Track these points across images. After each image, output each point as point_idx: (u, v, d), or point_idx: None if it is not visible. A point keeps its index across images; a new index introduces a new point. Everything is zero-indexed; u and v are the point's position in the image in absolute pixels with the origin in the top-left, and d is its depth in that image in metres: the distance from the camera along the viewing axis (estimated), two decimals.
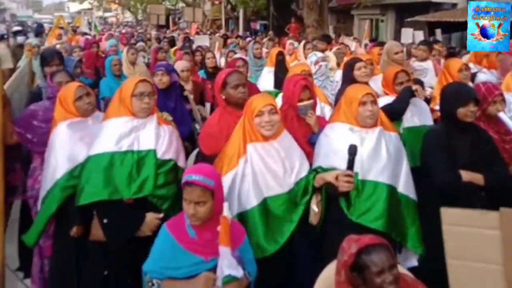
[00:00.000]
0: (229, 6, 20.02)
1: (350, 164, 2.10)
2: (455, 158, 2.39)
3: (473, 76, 3.95)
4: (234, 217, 2.02)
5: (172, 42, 9.78)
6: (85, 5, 35.57)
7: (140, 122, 2.31)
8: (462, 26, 8.82)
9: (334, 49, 6.39)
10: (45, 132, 2.79)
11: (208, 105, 4.71)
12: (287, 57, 5.88)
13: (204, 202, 1.73)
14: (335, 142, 2.30)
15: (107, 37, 9.96)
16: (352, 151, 2.09)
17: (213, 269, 1.72)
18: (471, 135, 2.46)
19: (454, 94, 2.50)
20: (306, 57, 5.25)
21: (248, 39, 10.94)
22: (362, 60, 3.50)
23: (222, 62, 6.89)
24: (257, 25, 19.10)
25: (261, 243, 2.09)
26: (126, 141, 2.26)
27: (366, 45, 8.23)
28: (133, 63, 5.57)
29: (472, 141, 2.44)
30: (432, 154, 2.44)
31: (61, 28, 9.19)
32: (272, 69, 4.70)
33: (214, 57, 5.65)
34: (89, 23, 12.70)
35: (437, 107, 3.14)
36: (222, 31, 14.85)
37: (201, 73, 5.41)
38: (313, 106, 2.69)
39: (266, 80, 4.63)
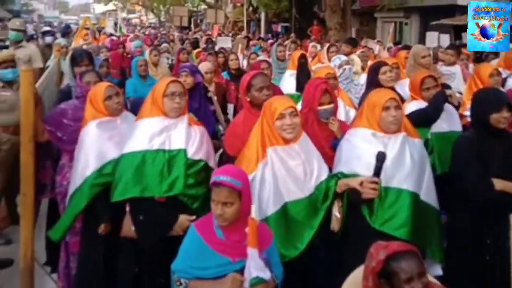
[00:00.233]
0: (250, 8, 20.10)
1: (377, 171, 2.07)
2: (487, 166, 2.34)
3: (503, 81, 3.85)
4: None
5: (195, 44, 9.89)
6: (110, 7, 36.34)
7: (172, 122, 2.34)
8: None
9: (358, 52, 6.34)
10: (74, 130, 2.85)
11: (231, 106, 4.74)
12: (310, 60, 5.86)
13: (232, 203, 1.74)
14: (358, 148, 2.27)
15: (132, 38, 10.15)
16: (381, 158, 2.06)
17: (241, 271, 1.72)
18: (504, 142, 2.41)
19: (487, 100, 2.45)
20: (329, 60, 5.22)
21: (270, 41, 10.97)
22: (388, 64, 3.45)
23: (244, 63, 6.92)
24: (278, 27, 19.11)
25: (280, 249, 2.07)
26: (157, 140, 2.29)
27: (389, 48, 8.14)
28: (155, 64, 5.66)
29: (504, 148, 2.39)
30: (464, 162, 2.39)
31: (87, 29, 9.40)
32: (294, 72, 4.67)
33: (237, 58, 5.69)
34: (115, 24, 12.95)
35: (466, 113, 3.09)
36: (244, 33, 14.91)
37: (225, 75, 5.45)
38: (334, 111, 2.67)
39: (288, 83, 4.61)
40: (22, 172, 2.78)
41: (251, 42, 10.80)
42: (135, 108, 2.91)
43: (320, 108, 2.58)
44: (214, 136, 3.61)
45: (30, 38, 7.24)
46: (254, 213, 1.70)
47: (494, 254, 2.30)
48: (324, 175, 2.27)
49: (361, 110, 2.41)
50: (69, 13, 60.37)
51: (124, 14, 34.01)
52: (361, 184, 2.10)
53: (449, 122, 2.90)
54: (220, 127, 3.81)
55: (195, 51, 7.51)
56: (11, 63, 3.83)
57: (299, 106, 2.60)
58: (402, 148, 2.23)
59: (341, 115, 3.20)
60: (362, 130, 2.31)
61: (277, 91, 3.52)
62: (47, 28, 9.90)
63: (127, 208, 2.35)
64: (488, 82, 3.27)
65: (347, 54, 5.74)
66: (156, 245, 2.25)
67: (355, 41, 7.13)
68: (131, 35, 11.67)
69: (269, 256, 1.77)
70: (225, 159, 2.74)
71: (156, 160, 2.26)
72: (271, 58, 5.60)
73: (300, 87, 4.26)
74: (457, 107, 3.16)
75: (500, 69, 4.10)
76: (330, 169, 2.37)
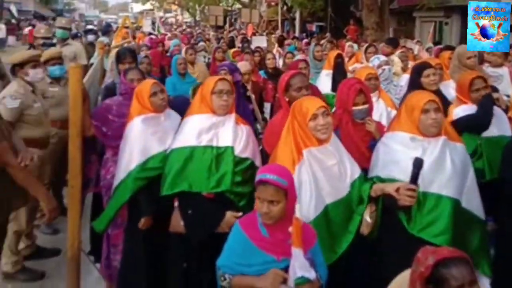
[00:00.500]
0: (285, 7, 20.05)
1: (414, 178, 2.01)
2: None
3: None
4: None
5: (231, 43, 9.97)
6: (147, 6, 37.20)
7: (219, 120, 2.37)
8: None
9: (397, 52, 6.20)
10: (118, 126, 2.93)
11: (268, 105, 4.76)
12: (346, 60, 5.78)
13: (278, 202, 1.74)
14: (395, 151, 2.22)
15: (170, 37, 10.37)
16: (418, 164, 2.00)
17: (285, 269, 1.72)
18: None
19: None
20: (367, 61, 5.14)
21: (305, 40, 10.90)
22: (432, 66, 3.33)
23: (280, 63, 6.91)
24: (313, 27, 18.96)
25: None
26: (205, 137, 2.33)
27: (428, 49, 7.91)
28: (192, 63, 5.74)
29: None
30: None
31: (126, 27, 9.66)
32: (330, 72, 4.63)
33: (274, 58, 5.69)
34: (153, 23, 13.24)
35: None
36: (278, 32, 14.89)
37: (262, 73, 5.46)
38: (369, 111, 2.63)
39: (323, 83, 4.58)
40: (70, 166, 2.88)
41: (285, 42, 10.76)
42: (174, 105, 2.96)
43: (354, 108, 2.54)
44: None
45: (75, 36, 7.51)
46: (298, 213, 1.69)
47: None
48: (356, 174, 2.24)
49: (399, 113, 2.34)
50: (108, 12, 62.33)
51: (160, 13, 34.75)
52: (397, 190, 2.05)
53: (499, 127, 2.78)
54: (258, 126, 3.83)
55: (231, 51, 7.57)
56: (58, 60, 3.99)
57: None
58: (442, 152, 2.15)
59: (382, 116, 3.15)
60: (400, 133, 2.25)
61: (315, 91, 3.50)
62: (90, 27, 10.25)
63: (175, 204, 2.39)
64: None
65: (387, 55, 5.63)
66: (204, 240, 2.28)
67: (396, 42, 6.96)
68: (169, 34, 11.91)
69: (313, 256, 1.76)
70: (264, 157, 2.76)
71: (204, 156, 2.30)
72: (308, 57, 5.58)
73: (335, 87, 4.22)
74: (505, 111, 3.04)
75: None
76: (367, 170, 2.34)
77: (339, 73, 4.49)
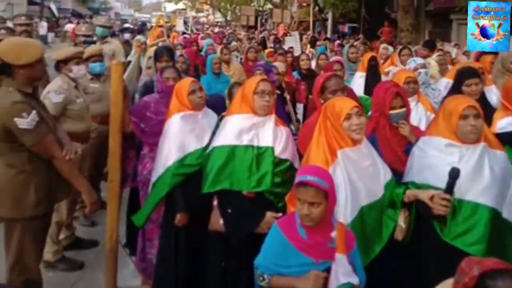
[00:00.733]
0: (316, 8, 19.90)
1: (450, 188, 1.97)
2: None
3: None
4: None
5: (263, 43, 9.99)
6: (180, 6, 37.79)
7: (260, 120, 2.38)
8: None
9: (434, 55, 6.04)
10: (156, 123, 3.00)
11: (301, 106, 4.75)
12: (381, 63, 5.68)
13: (318, 204, 1.74)
14: (431, 157, 2.17)
15: (204, 36, 10.50)
16: (454, 174, 1.95)
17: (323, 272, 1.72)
18: None
19: None
20: (402, 63, 5.04)
21: (337, 42, 10.79)
22: (477, 75, 3.17)
23: (313, 64, 6.88)
24: (345, 28, 18.73)
25: None
26: (246, 136, 2.35)
27: (465, 52, 7.66)
28: (227, 62, 5.80)
29: None
30: None
31: (160, 26, 9.84)
32: (364, 74, 4.58)
33: (308, 59, 5.67)
34: (185, 23, 13.45)
35: None
36: (309, 33, 14.80)
37: (295, 74, 5.45)
38: (407, 115, 2.58)
39: (357, 85, 4.52)
40: (110, 160, 2.97)
41: (317, 43, 10.70)
42: (210, 104, 2.99)
43: (391, 112, 2.50)
44: None
45: (112, 35, 7.71)
46: (342, 218, 1.68)
47: None
48: (389, 177, 2.21)
49: (437, 117, 2.28)
50: (142, 11, 63.70)
51: (193, 13, 35.22)
52: (431, 198, 2.01)
53: None
54: (292, 127, 3.82)
55: (266, 51, 7.59)
56: (99, 57, 4.11)
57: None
58: (481, 160, 2.09)
59: (421, 120, 3.08)
60: (436, 138, 2.19)
61: (350, 94, 3.46)
62: (127, 25, 10.49)
63: (214, 202, 2.42)
64: None
65: (423, 57, 5.50)
66: (243, 239, 2.29)
67: (433, 44, 6.79)
68: (202, 34, 12.06)
69: (353, 259, 1.75)
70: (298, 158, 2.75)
71: (245, 155, 2.32)
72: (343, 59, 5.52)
73: (369, 89, 4.17)
74: None
75: None
76: (403, 174, 2.30)
77: (372, 76, 4.42)
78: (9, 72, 2.40)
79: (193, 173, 2.63)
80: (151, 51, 5.14)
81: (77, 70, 3.54)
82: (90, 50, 4.16)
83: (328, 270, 1.72)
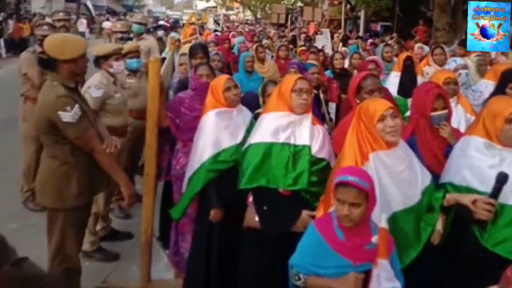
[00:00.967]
0: (348, 6, 19.61)
1: (495, 193, 1.91)
2: None
3: None
4: None
5: (293, 41, 9.94)
6: (211, 3, 38.11)
7: (297, 118, 2.37)
8: None
9: (472, 55, 5.84)
10: (189, 119, 3.04)
11: (333, 105, 4.70)
12: (417, 62, 5.54)
13: (359, 204, 1.71)
14: (470, 157, 2.10)
15: (235, 34, 10.55)
16: (502, 179, 1.89)
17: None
18: None
19: None
20: (435, 62, 4.91)
21: (370, 41, 10.60)
22: None
23: (345, 63, 6.79)
24: (377, 27, 18.37)
25: None
26: (283, 134, 2.34)
27: (503, 52, 7.36)
28: (262, 60, 5.80)
29: None
30: None
31: (192, 24, 9.95)
32: (399, 73, 4.48)
33: (342, 58, 5.60)
34: (215, 21, 13.55)
35: None
36: (341, 32, 14.61)
37: (328, 73, 5.40)
38: (448, 117, 2.49)
39: (391, 85, 4.43)
40: (146, 154, 3.03)
41: (349, 41, 10.55)
42: (244, 101, 2.99)
43: (433, 114, 2.42)
44: None
45: (148, 31, 7.87)
46: (384, 223, 1.65)
47: None
48: (428, 180, 2.14)
49: (479, 117, 2.20)
50: (174, 9, 64.71)
51: (223, 11, 35.44)
52: (474, 202, 1.95)
53: None
54: (326, 126, 3.79)
55: (299, 49, 7.55)
56: (135, 53, 4.22)
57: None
58: None
59: (461, 123, 2.99)
60: (477, 139, 2.12)
61: (387, 94, 3.40)
62: (162, 23, 10.67)
63: (250, 199, 2.42)
64: None
65: (460, 57, 5.33)
66: (278, 237, 2.28)
67: None
68: (233, 31, 12.12)
69: (392, 264, 1.71)
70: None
71: (282, 153, 2.31)
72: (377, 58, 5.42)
73: (403, 90, 4.07)
74: None
75: None
76: (438, 176, 2.23)
77: (407, 76, 4.32)
78: (54, 66, 2.48)
79: (227, 169, 2.65)
80: (184, 48, 5.20)
81: (117, 65, 3.63)
82: (128, 46, 4.27)
83: (365, 273, 1.70)
